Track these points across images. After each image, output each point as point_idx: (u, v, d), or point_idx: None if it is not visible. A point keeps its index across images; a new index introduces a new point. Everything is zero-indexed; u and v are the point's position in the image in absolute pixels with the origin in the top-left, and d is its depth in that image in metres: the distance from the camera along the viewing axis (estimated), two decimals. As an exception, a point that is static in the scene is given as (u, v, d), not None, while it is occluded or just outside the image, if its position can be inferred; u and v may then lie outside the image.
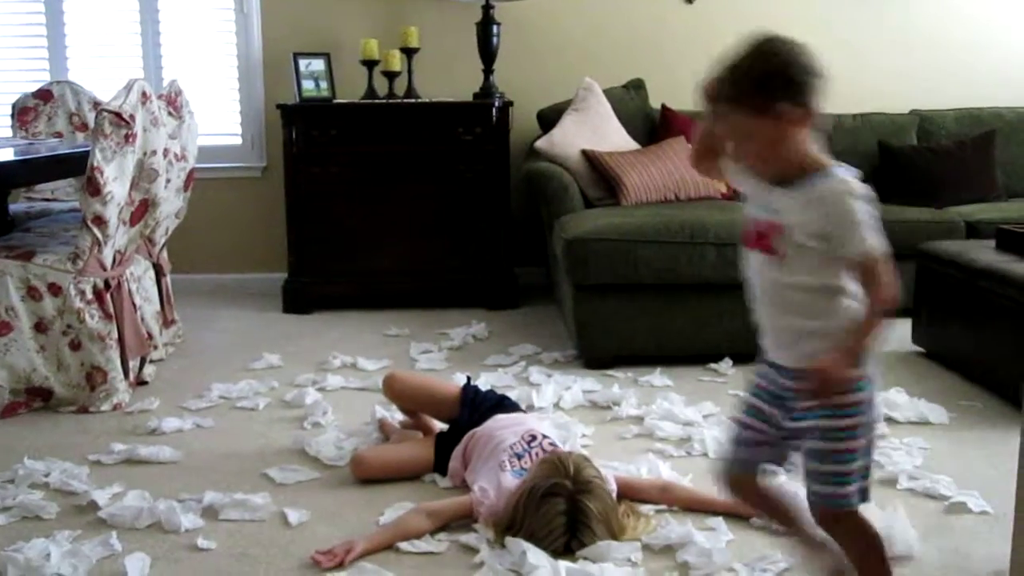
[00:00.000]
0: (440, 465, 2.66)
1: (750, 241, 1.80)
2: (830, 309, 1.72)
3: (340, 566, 2.17)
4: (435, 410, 2.88)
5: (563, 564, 2.09)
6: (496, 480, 2.40)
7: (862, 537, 1.81)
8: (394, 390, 2.91)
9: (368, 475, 2.65)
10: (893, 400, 3.21)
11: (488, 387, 3.01)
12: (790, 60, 1.69)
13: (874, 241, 1.67)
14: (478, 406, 2.75)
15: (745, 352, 3.71)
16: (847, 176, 1.71)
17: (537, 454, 2.46)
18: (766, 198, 1.76)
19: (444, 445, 2.68)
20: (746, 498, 1.96)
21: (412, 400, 2.91)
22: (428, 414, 2.91)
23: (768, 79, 1.68)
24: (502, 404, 2.79)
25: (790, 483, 1.93)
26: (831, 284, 1.72)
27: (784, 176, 1.73)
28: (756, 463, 1.87)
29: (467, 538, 2.28)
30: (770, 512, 1.98)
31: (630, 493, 2.42)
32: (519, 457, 2.46)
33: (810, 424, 1.74)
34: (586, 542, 2.19)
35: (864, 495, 1.76)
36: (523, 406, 2.95)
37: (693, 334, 3.75)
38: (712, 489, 2.59)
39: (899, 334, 4.01)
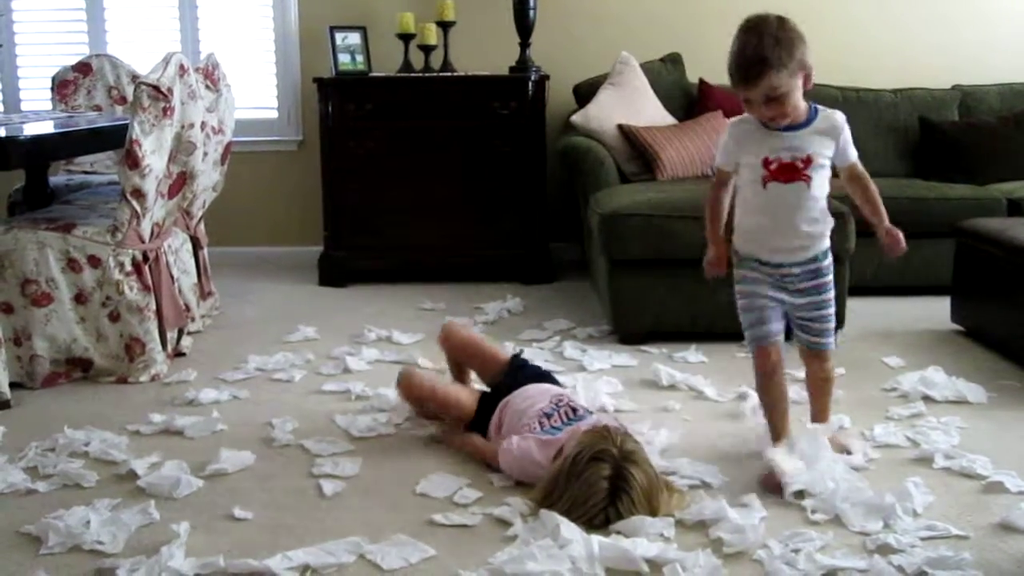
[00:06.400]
0: (477, 424, 2.69)
1: (778, 178, 2.38)
2: (825, 213, 2.45)
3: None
4: (482, 367, 2.94)
5: (596, 538, 2.09)
6: (525, 439, 2.46)
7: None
8: (451, 338, 3.00)
9: (413, 393, 2.76)
10: (931, 379, 3.18)
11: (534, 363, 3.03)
12: (795, 28, 2.28)
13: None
14: (520, 375, 2.78)
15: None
16: (827, 109, 2.42)
17: (566, 413, 2.51)
18: (783, 143, 2.37)
19: (485, 405, 2.71)
20: (775, 367, 2.50)
21: (464, 351, 2.99)
22: (474, 369, 2.99)
23: (795, 44, 2.26)
24: (544, 378, 2.81)
25: None
26: (826, 192, 2.43)
27: (794, 120, 2.35)
28: (780, 332, 2.52)
29: (500, 511, 2.29)
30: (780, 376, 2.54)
31: None
32: (548, 416, 2.51)
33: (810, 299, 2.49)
34: (623, 513, 2.20)
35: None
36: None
37: (728, 310, 3.69)
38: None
39: (938, 312, 3.97)
